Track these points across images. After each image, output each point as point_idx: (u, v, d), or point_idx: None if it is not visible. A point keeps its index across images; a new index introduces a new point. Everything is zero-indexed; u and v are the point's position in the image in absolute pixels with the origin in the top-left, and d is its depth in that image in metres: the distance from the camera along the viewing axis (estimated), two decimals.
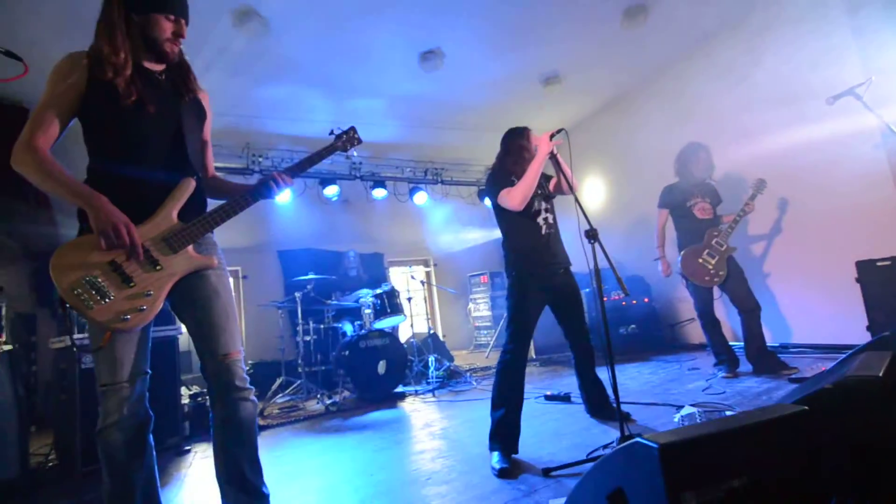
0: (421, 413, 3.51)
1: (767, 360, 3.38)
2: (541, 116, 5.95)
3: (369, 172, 5.62)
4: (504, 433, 2.23)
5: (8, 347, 2.51)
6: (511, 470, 2.05)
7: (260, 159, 4.90)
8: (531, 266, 2.47)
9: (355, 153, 1.94)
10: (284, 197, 5.25)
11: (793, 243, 4.19)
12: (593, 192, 6.56)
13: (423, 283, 5.20)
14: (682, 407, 2.64)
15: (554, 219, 2.62)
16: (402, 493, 1.97)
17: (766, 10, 4.22)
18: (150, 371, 1.51)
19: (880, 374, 1.37)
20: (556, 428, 2.65)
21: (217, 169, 4.81)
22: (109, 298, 1.28)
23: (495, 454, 2.16)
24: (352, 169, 5.48)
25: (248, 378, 1.56)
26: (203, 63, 3.99)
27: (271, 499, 1.56)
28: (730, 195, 3.85)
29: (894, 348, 1.51)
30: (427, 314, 5.48)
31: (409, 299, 5.11)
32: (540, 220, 2.53)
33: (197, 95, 1.61)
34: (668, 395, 3.03)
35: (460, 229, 7.70)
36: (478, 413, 3.24)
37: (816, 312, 4.02)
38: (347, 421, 3.49)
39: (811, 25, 3.85)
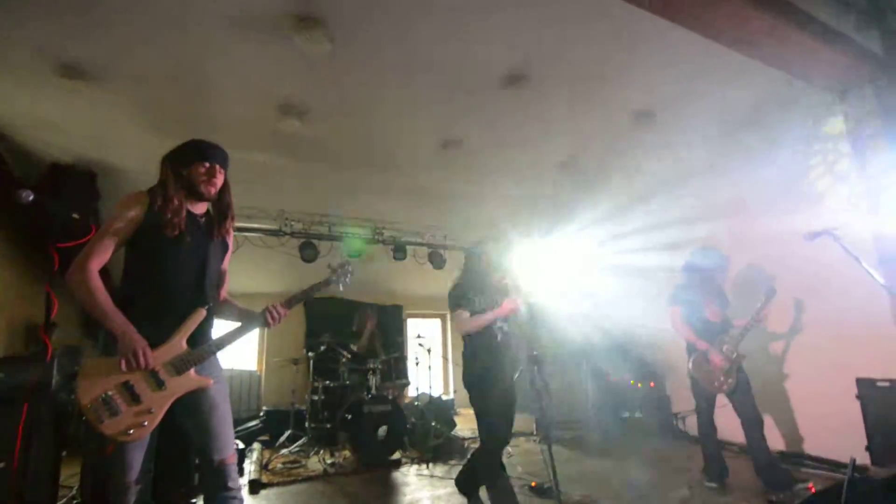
0: (410, 487, 3.68)
1: (776, 474, 3.27)
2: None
3: (391, 237, 6.01)
4: None
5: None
6: None
7: (292, 223, 5.39)
8: (486, 364, 2.81)
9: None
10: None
11: (805, 347, 4.13)
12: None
13: (420, 345, 5.44)
14: None
15: (510, 328, 2.97)
16: None
17: None
18: (152, 468, 1.80)
19: None
20: None
21: (252, 230, 5.25)
22: (119, 414, 1.60)
23: None
24: (375, 233, 5.88)
25: (237, 479, 1.84)
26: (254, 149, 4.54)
27: None
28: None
29: None
30: (429, 375, 5.62)
31: (417, 363, 5.34)
32: (495, 328, 2.89)
33: (226, 238, 1.97)
34: (645, 501, 3.07)
35: None
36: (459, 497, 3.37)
37: (821, 423, 3.92)
38: (340, 487, 3.70)
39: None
